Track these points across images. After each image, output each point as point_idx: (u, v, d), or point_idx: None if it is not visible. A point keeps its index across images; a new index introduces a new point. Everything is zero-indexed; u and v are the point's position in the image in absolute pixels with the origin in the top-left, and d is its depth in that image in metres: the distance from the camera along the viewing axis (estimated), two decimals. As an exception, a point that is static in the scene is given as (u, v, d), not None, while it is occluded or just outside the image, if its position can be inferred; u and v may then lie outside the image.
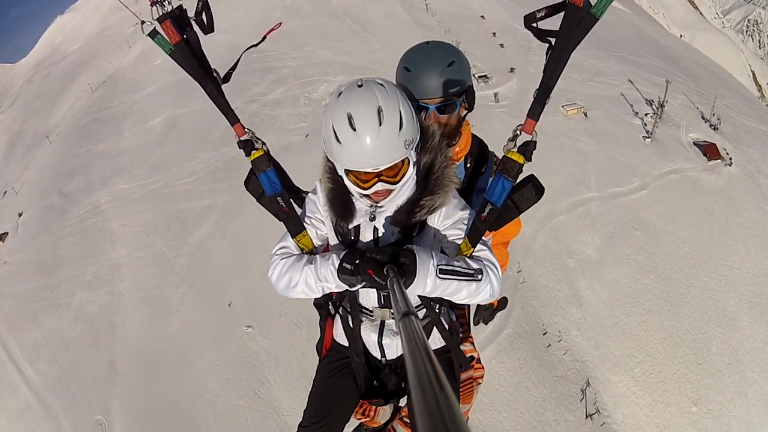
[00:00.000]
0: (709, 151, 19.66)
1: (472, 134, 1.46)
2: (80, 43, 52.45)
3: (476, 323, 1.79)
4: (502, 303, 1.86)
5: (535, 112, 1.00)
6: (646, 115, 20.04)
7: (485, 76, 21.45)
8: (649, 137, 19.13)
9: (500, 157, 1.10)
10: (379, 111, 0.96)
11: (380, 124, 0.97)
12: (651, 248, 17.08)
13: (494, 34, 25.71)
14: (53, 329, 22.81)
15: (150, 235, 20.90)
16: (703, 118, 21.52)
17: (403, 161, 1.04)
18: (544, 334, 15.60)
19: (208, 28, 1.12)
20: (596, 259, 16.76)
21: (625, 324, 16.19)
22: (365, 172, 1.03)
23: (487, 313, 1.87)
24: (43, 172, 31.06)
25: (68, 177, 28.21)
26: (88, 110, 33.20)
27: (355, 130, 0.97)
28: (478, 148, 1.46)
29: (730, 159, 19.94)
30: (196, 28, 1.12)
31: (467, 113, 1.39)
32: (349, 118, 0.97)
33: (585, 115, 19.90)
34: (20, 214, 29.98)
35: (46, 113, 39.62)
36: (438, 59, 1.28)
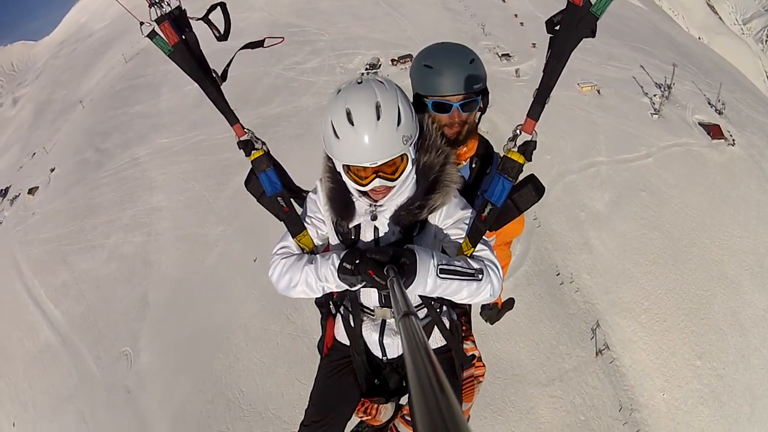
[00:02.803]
0: (713, 130, 23.14)
1: (479, 135, 1.55)
2: (107, 21, 58.36)
3: (485, 320, 1.96)
4: (508, 303, 1.97)
5: (535, 112, 1.06)
6: (654, 95, 23.77)
7: (507, 54, 25.60)
8: (656, 114, 22.75)
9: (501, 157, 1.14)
10: (377, 106, 1.04)
11: (378, 119, 1.04)
12: (656, 208, 20.19)
13: (516, 15, 30.58)
14: (84, 269, 25.61)
15: (190, 181, 24.31)
16: (709, 104, 25.16)
17: (401, 158, 1.11)
18: (557, 275, 18.51)
19: (223, 36, 1.19)
20: (605, 213, 19.87)
21: (632, 273, 19.04)
22: (363, 168, 1.10)
23: (492, 312, 1.96)
24: (76, 133, 35.00)
25: (104, 135, 32.06)
26: (122, 78, 37.65)
27: (353, 124, 1.04)
28: (484, 149, 1.55)
29: (733, 140, 23.35)
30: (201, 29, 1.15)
31: (481, 115, 1.48)
32: (348, 113, 1.05)
33: (598, 92, 23.71)
34: (52, 170, 33.57)
35: (75, 83, 44.33)
36: (459, 56, 1.40)
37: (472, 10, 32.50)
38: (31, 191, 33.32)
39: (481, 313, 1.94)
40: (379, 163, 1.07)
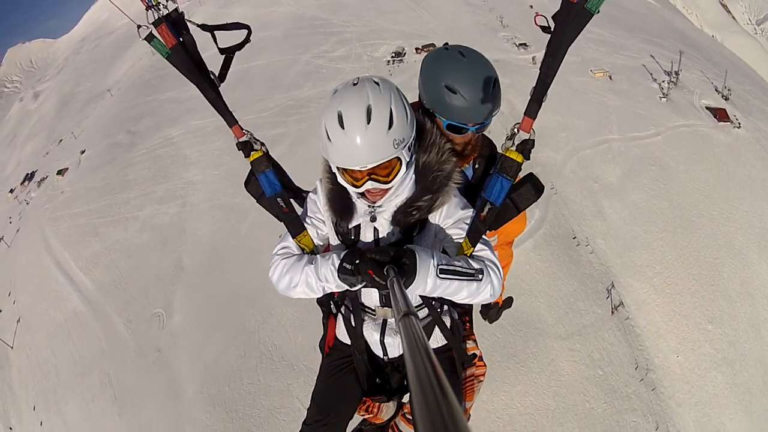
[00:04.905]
0: (720, 114, 25.89)
1: (483, 136, 1.62)
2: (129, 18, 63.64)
3: (485, 319, 2.07)
4: (508, 302, 2.05)
5: (533, 110, 1.13)
6: (663, 81, 26.78)
7: (525, 44, 29.15)
8: (664, 98, 25.69)
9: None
10: (369, 110, 1.12)
11: (368, 123, 1.12)
12: (665, 181, 22.68)
13: (531, 6, 34.22)
14: (116, 239, 27.78)
15: (224, 156, 27.23)
16: (716, 91, 28.12)
17: (395, 159, 1.19)
18: (573, 238, 20.87)
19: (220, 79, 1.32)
20: (617, 185, 22.35)
21: (644, 239, 21.31)
22: (356, 170, 1.19)
23: (493, 311, 2.07)
24: (106, 118, 38.43)
25: (136, 120, 35.40)
26: (150, 69, 41.43)
27: (343, 128, 1.13)
28: (488, 149, 1.63)
29: (739, 123, 26.09)
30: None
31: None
32: (339, 116, 1.13)
33: (610, 78, 26.80)
34: (82, 152, 36.77)
35: (100, 76, 48.42)
36: (485, 81, 1.40)
37: (490, 4, 36.40)
38: (60, 172, 36.19)
39: (480, 312, 2.03)
40: (369, 167, 1.17)
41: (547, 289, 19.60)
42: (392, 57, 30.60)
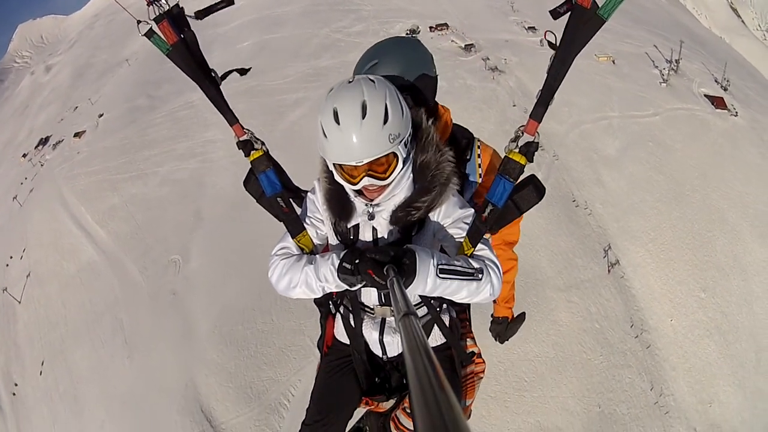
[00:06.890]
0: (717, 102, 28.72)
1: (454, 123, 1.71)
2: (145, -3, 67.17)
3: (495, 339, 2.07)
4: (520, 318, 2.01)
5: (538, 113, 1.19)
6: (664, 69, 29.91)
7: (533, 27, 32.74)
8: (664, 83, 28.73)
9: (487, 146, 1.34)
10: (364, 105, 1.18)
11: (363, 118, 1.18)
12: (661, 156, 25.30)
13: None
14: (134, 194, 29.46)
15: (246, 119, 27.38)
16: (716, 81, 31.12)
17: (392, 155, 1.25)
18: (573, 201, 23.39)
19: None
20: (615, 156, 24.94)
21: (639, 207, 23.66)
22: (354, 167, 1.25)
23: (501, 327, 2.00)
24: (125, 85, 41.21)
25: (156, 85, 38.19)
26: (171, 40, 44.41)
27: (339, 123, 1.19)
28: (460, 135, 1.72)
29: (736, 112, 28.95)
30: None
31: (421, 109, 1.55)
32: (335, 112, 1.20)
33: (613, 62, 29.83)
34: (101, 115, 39.43)
35: (117, 48, 51.46)
36: (366, 58, 1.59)
37: (503, -12, 39.91)
38: (77, 135, 38.32)
39: (490, 329, 2.04)
40: (365, 162, 1.23)
41: (547, 244, 21.49)
42: (407, 34, 33.81)
